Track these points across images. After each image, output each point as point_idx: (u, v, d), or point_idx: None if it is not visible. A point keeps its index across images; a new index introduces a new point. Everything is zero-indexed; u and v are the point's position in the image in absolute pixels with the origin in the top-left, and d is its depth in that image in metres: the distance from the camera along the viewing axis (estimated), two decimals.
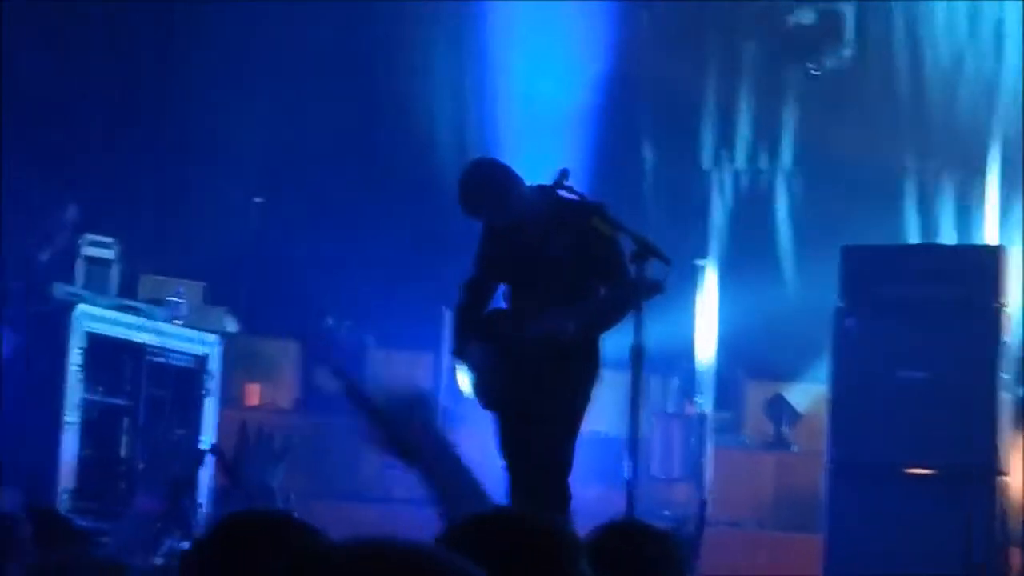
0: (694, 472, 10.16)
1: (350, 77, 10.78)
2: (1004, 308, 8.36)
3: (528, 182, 6.70)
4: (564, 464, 6.56)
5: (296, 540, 2.12)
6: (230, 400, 9.72)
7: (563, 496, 6.48)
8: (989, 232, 10.11)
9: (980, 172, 10.24)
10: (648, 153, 10.74)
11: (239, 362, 9.99)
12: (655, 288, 6.37)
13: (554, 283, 6.66)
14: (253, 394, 10.46)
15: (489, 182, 6.64)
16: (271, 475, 2.91)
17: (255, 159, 10.64)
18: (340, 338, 10.42)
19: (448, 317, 8.02)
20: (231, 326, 9.53)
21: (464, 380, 6.85)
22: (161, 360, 8.59)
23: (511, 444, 6.73)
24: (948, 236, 10.35)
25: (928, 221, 10.41)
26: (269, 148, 10.66)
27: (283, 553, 2.01)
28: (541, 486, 6.49)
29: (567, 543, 2.33)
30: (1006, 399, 8.35)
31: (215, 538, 2.10)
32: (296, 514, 3.06)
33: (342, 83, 10.76)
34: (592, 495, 7.93)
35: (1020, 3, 10.29)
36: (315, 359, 9.33)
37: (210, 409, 8.77)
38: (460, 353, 6.86)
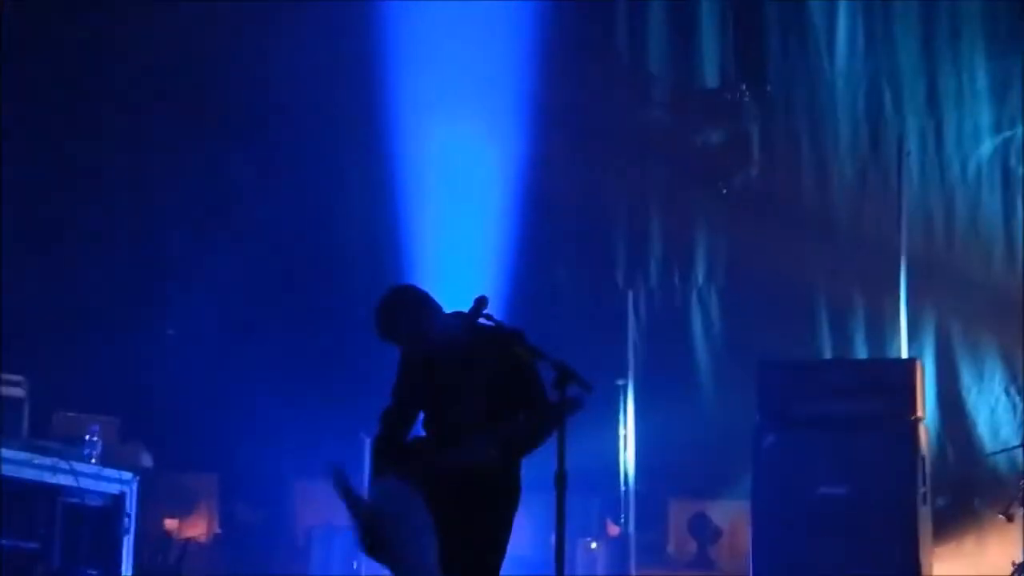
0: None
1: (263, 208, 10.77)
2: (919, 421, 8.46)
3: (446, 309, 6.71)
4: None
5: None
6: (148, 537, 9.54)
7: None
8: (901, 346, 10.24)
9: (889, 286, 10.40)
10: (563, 275, 10.81)
11: (157, 498, 9.83)
12: (574, 406, 6.37)
13: (474, 410, 6.64)
14: (171, 529, 10.29)
15: (406, 309, 6.64)
16: None
17: (166, 289, 10.58)
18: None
19: (368, 445, 7.96)
20: (147, 461, 9.39)
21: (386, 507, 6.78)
22: (76, 501, 8.41)
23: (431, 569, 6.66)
24: (860, 351, 10.47)
25: (840, 336, 10.53)
26: (181, 278, 10.60)
27: None
28: None
29: None
30: (924, 512, 8.42)
31: None
32: None
33: (256, 214, 10.75)
34: None
35: (918, 117, 10.55)
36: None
37: (127, 548, 8.59)
38: (377, 481, 6.81)
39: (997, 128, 10.48)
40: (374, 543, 2.54)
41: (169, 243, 10.54)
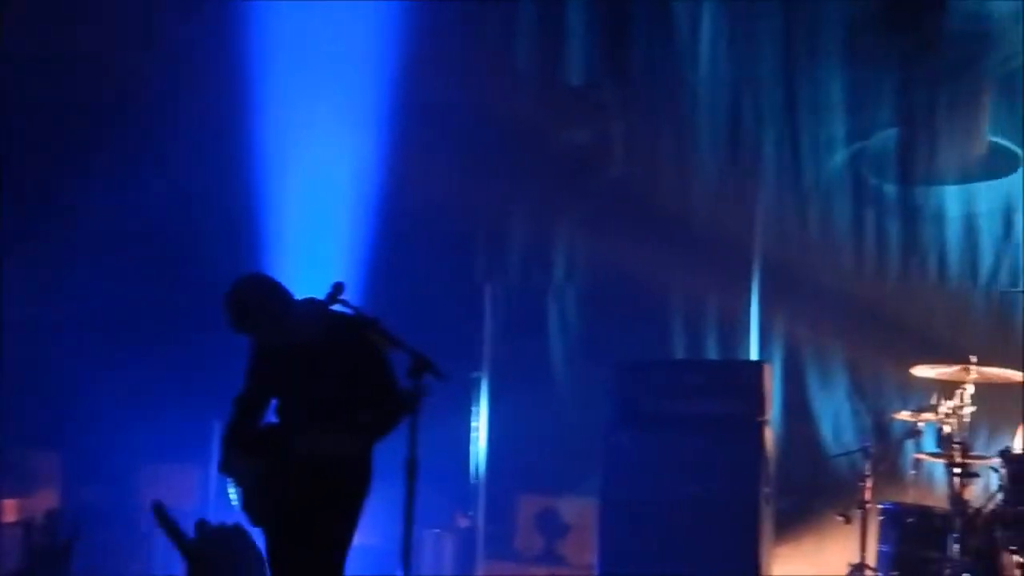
0: None
1: (115, 193, 10.61)
2: (766, 422, 8.63)
3: (302, 295, 6.69)
4: None
5: None
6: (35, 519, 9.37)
7: None
8: (751, 349, 10.42)
9: (743, 290, 10.57)
10: (421, 266, 10.80)
11: None
12: (422, 393, 6.40)
13: (325, 398, 6.63)
14: (10, 510, 10.10)
15: (256, 297, 6.60)
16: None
17: (14, 271, 10.37)
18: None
19: (218, 431, 7.90)
20: None
21: (233, 495, 6.75)
22: None
23: (281, 560, 6.64)
24: (712, 353, 10.63)
25: (693, 338, 10.68)
26: (33, 258, 10.40)
27: None
28: None
29: None
30: (767, 511, 8.59)
31: None
32: None
33: (109, 199, 10.58)
34: None
35: (776, 124, 10.73)
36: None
37: None
38: (226, 468, 6.78)
39: (850, 138, 10.71)
40: None
41: (10, 221, 10.32)
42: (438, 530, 10.19)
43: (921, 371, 8.64)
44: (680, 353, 10.65)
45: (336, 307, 6.63)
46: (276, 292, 6.63)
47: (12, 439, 10.03)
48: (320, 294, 6.71)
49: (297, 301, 6.67)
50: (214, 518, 9.61)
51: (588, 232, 10.90)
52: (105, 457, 10.34)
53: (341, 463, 6.56)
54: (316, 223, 10.39)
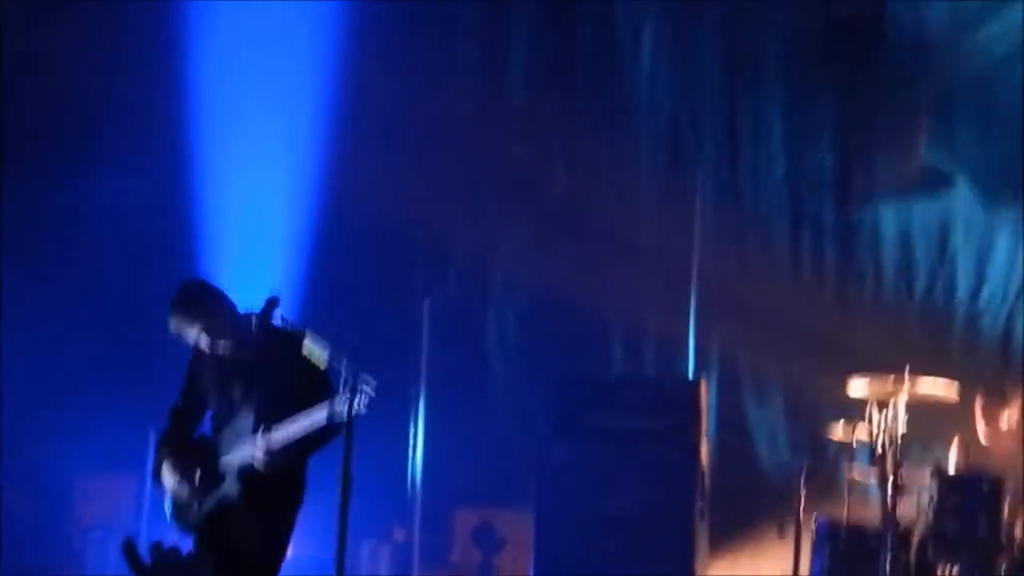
0: None
1: (52, 197, 10.55)
2: (702, 437, 8.69)
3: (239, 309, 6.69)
4: None
5: None
6: None
7: None
8: (688, 365, 10.48)
9: (681, 307, 10.63)
10: (359, 279, 10.79)
11: None
12: (360, 407, 6.40)
13: (260, 410, 6.62)
14: None
15: (200, 303, 6.60)
16: None
17: None
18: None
19: (153, 441, 7.87)
20: None
21: (167, 505, 6.74)
22: None
23: (214, 570, 6.63)
24: (650, 368, 10.67)
25: (632, 353, 10.72)
26: None
27: None
28: None
29: None
30: (702, 525, 8.64)
31: None
32: None
33: (48, 204, 10.52)
34: None
35: (716, 145, 10.82)
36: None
37: None
38: (158, 478, 6.77)
39: (788, 158, 10.80)
40: None
41: None
42: (375, 541, 10.18)
43: (856, 383, 8.70)
44: (618, 369, 10.69)
45: (271, 321, 6.63)
46: (220, 299, 6.64)
47: None
48: (256, 307, 6.71)
49: (238, 313, 6.67)
50: (148, 529, 9.57)
51: (528, 248, 10.94)
52: (38, 471, 10.26)
53: (274, 475, 6.56)
54: (254, 234, 10.37)
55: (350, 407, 6.33)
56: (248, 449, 6.57)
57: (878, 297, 10.22)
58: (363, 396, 6.34)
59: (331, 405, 6.39)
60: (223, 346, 6.63)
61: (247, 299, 6.81)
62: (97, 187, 10.53)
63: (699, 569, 8.56)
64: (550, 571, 8.60)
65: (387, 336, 10.39)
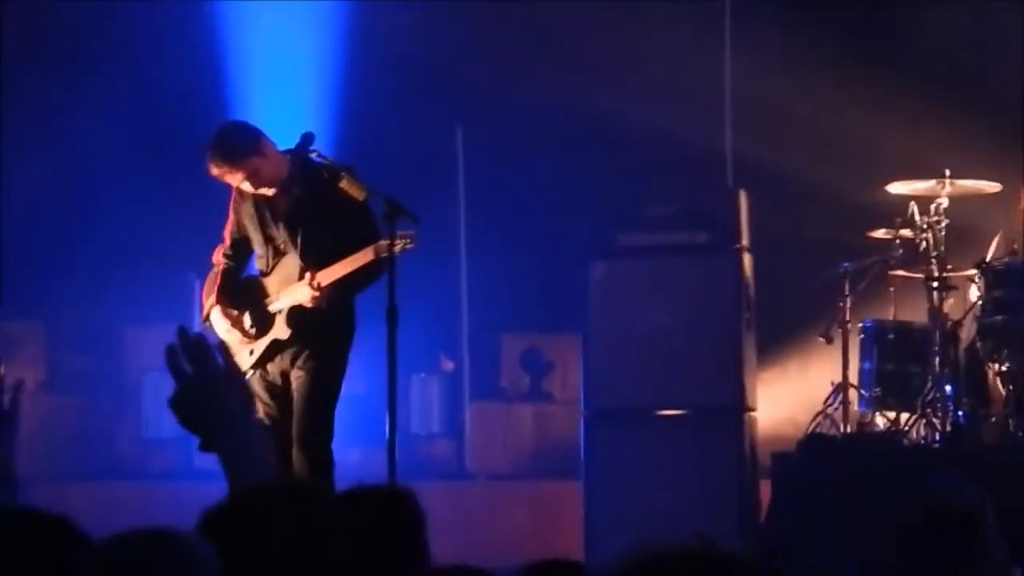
0: (453, 427, 10.25)
1: (93, 52, 10.44)
2: (744, 249, 8.64)
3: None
4: (325, 431, 6.55)
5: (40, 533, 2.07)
6: None
7: (326, 462, 6.48)
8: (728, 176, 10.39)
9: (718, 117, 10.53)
10: (395, 110, 10.67)
11: None
12: (407, 243, 6.39)
13: (306, 249, 6.62)
14: None
15: (243, 148, 6.56)
16: (7, 443, 2.76)
17: None
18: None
19: (197, 286, 7.90)
20: None
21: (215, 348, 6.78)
22: None
23: (271, 414, 6.68)
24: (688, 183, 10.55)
25: (670, 168, 10.58)
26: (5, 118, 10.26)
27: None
28: (301, 454, 6.47)
29: (329, 511, 2.36)
30: (749, 338, 8.64)
31: None
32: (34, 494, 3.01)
33: (89, 61, 10.42)
34: (353, 458, 7.93)
35: None
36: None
37: None
38: (208, 321, 6.80)
39: None
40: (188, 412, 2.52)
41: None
42: (423, 374, 10.26)
43: (896, 188, 8.64)
44: (657, 186, 10.57)
45: (310, 157, 6.59)
46: (260, 138, 6.60)
47: None
48: (289, 145, 6.67)
49: (278, 151, 6.64)
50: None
51: (556, 69, 10.73)
52: (86, 324, 10.34)
53: (324, 313, 6.58)
54: (283, 74, 10.27)
55: (392, 242, 6.32)
56: (297, 290, 6.58)
57: (921, 97, 10.01)
58: (408, 233, 6.33)
59: (378, 242, 6.37)
60: (266, 185, 6.61)
61: (281, 137, 6.77)
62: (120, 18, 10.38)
63: (748, 381, 8.58)
64: (600, 391, 8.65)
65: (422, 166, 10.32)
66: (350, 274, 6.51)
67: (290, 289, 6.62)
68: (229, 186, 6.70)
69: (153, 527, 2.14)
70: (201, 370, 2.72)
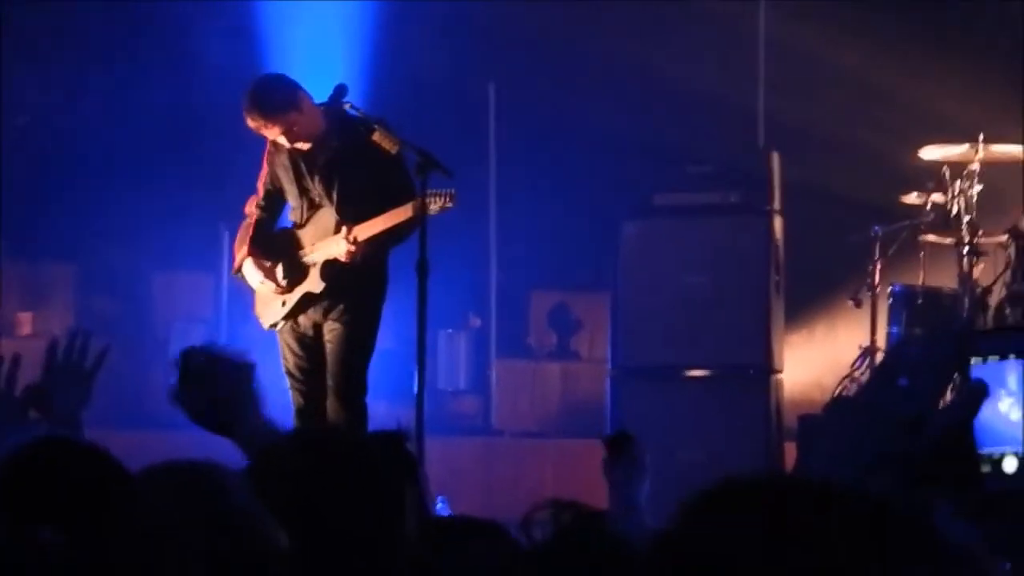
0: (480, 384, 10.27)
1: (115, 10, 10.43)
2: (775, 211, 8.61)
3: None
4: (359, 384, 6.57)
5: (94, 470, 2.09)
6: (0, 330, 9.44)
7: (360, 416, 6.50)
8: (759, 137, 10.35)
9: (751, 76, 10.47)
10: (427, 65, 10.63)
11: (8, 290, 9.70)
12: (446, 203, 6.37)
13: (341, 202, 6.62)
14: (25, 323, 10.16)
15: (281, 102, 6.55)
16: (79, 401, 2.76)
17: (23, 78, 10.25)
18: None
19: (229, 237, 7.91)
20: None
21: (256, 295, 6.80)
22: None
23: (301, 365, 6.70)
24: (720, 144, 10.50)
25: (701, 128, 10.53)
26: (33, 64, 10.26)
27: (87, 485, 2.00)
28: (337, 407, 6.49)
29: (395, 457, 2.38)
30: (778, 300, 8.62)
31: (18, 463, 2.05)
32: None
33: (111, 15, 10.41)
34: (380, 410, 7.94)
35: None
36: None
37: None
38: (240, 272, 6.80)
39: None
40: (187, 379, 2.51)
41: (21, 23, 10.14)
42: (451, 330, 10.26)
43: (928, 152, 8.60)
44: (689, 144, 10.53)
45: (344, 109, 6.57)
46: (297, 91, 6.58)
47: (23, 252, 10.05)
48: (322, 98, 6.65)
49: (314, 103, 6.62)
50: (228, 323, 9.68)
51: (590, 27, 10.68)
52: (117, 268, 10.37)
53: (358, 266, 6.58)
54: (315, 26, 10.23)
55: (424, 198, 6.31)
56: (333, 243, 6.58)
57: (956, 59, 9.93)
58: (447, 192, 6.31)
59: (418, 199, 6.34)
60: (300, 137, 6.60)
61: (315, 89, 6.75)
62: None
63: (776, 342, 8.57)
64: (627, 349, 8.65)
65: (454, 120, 10.28)
66: (387, 229, 6.50)
67: (326, 242, 6.62)
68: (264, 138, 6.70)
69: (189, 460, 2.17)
70: (208, 379, 2.76)
